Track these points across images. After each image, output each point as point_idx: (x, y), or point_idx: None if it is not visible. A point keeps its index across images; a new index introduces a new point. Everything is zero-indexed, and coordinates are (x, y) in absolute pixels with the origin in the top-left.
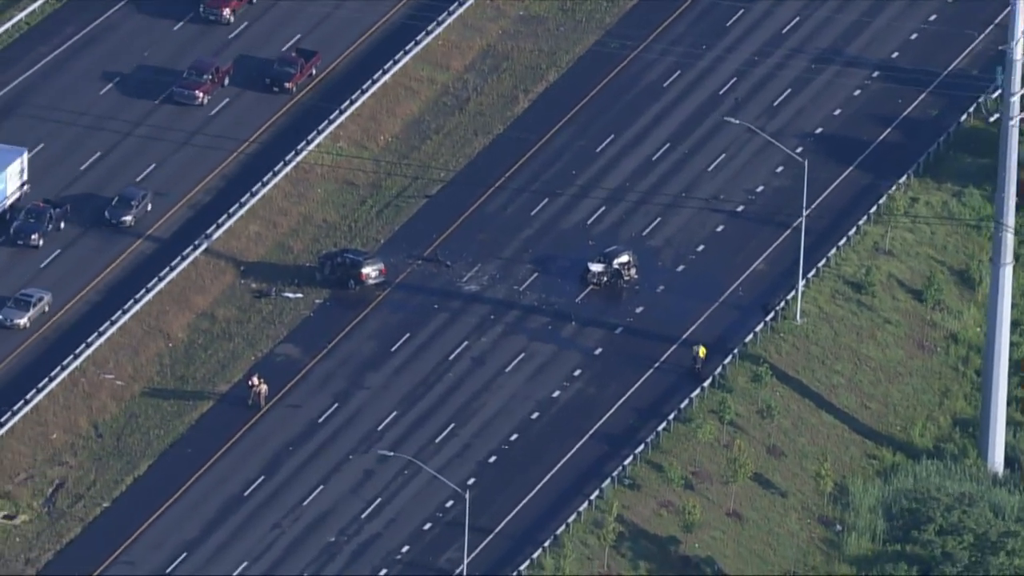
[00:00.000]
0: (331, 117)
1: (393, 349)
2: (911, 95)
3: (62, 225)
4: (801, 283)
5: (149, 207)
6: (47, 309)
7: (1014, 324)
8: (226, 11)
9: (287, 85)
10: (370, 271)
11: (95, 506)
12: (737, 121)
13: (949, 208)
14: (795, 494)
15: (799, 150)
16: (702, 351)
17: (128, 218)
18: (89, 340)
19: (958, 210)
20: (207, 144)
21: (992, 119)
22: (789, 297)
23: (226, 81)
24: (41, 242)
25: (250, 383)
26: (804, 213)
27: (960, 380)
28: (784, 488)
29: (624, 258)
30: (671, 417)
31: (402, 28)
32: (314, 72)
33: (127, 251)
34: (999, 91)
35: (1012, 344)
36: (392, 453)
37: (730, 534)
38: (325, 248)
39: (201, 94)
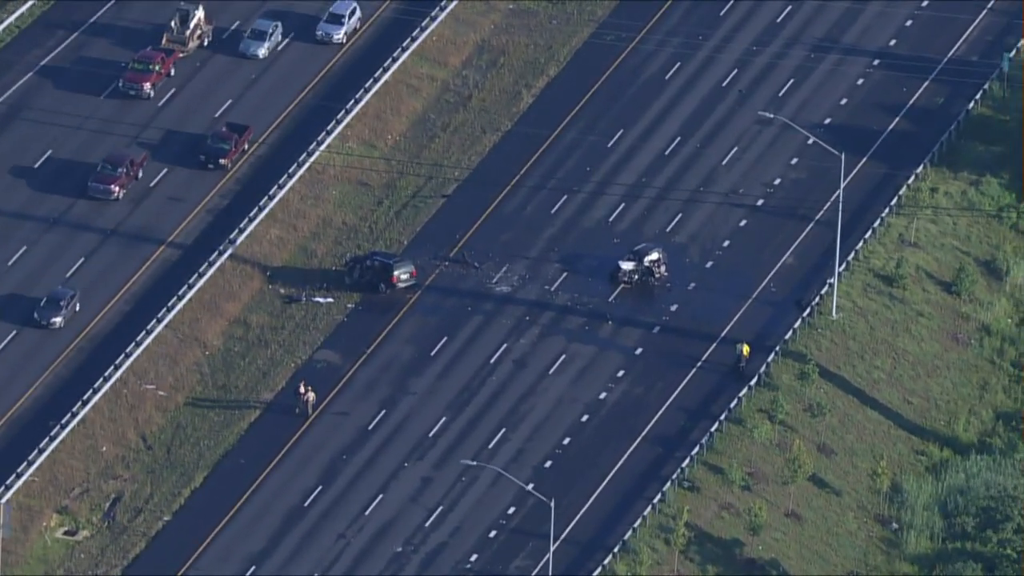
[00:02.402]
0: (338, 117)
1: (433, 353)
2: (914, 83)
3: None
4: (836, 277)
5: (78, 307)
6: None
7: None
8: (146, 85)
9: (222, 161)
10: (401, 274)
11: (156, 520)
12: (772, 115)
13: (968, 197)
14: (849, 493)
15: (810, 142)
16: (746, 349)
17: (58, 319)
18: (127, 350)
19: (977, 199)
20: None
21: None
22: (823, 292)
23: (140, 173)
24: None
25: (298, 391)
26: (840, 205)
27: (997, 373)
28: (838, 487)
29: (654, 255)
30: (722, 417)
31: (394, 24)
32: (247, 147)
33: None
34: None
35: None
36: (475, 463)
37: (791, 535)
38: (349, 251)
39: (117, 188)
